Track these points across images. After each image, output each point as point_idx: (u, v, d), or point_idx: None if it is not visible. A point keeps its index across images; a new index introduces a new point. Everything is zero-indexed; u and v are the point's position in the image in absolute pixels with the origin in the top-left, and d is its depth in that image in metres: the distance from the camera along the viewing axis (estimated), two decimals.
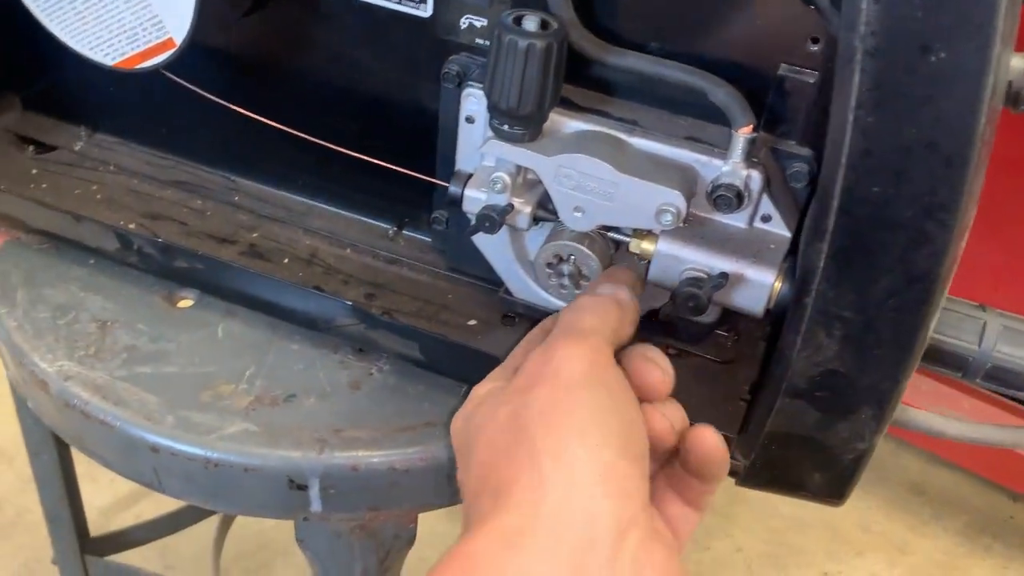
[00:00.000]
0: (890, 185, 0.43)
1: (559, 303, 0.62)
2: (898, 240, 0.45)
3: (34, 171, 0.76)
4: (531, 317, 0.63)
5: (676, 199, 0.53)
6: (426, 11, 0.59)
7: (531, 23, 0.52)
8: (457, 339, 0.64)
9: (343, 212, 0.73)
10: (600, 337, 0.49)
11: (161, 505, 1.27)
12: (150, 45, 0.60)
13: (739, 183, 0.54)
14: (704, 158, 0.54)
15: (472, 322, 0.65)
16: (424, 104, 0.63)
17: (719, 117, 0.53)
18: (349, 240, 0.71)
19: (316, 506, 0.63)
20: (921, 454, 1.73)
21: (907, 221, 0.44)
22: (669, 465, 0.52)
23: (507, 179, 0.57)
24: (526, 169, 0.57)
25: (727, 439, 0.52)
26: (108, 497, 1.54)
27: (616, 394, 0.47)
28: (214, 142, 0.74)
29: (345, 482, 0.62)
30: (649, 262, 0.56)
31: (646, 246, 0.56)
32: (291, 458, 0.62)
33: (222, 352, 0.68)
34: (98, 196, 0.73)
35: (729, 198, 0.54)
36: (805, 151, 0.54)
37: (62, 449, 0.91)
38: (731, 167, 0.54)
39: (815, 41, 0.52)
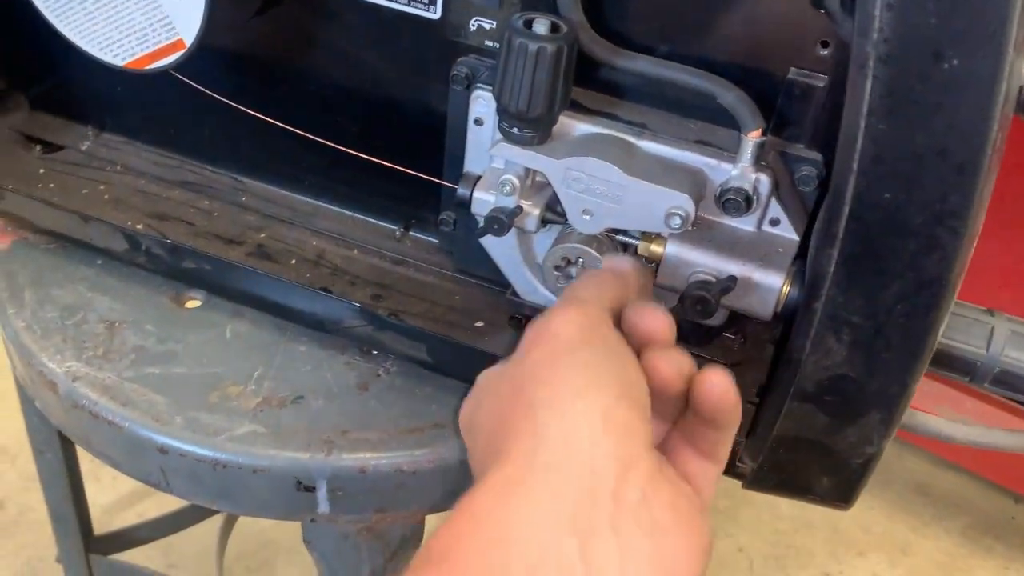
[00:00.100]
0: (901, 191, 0.44)
1: None
2: (908, 246, 0.45)
3: (41, 171, 0.76)
4: None
5: (685, 202, 0.53)
6: (435, 13, 0.59)
7: (541, 26, 0.52)
8: (464, 341, 0.64)
9: (350, 213, 0.73)
10: (597, 304, 0.48)
11: (164, 504, 1.27)
12: (160, 46, 0.60)
13: (748, 187, 0.54)
14: (713, 161, 0.54)
15: (479, 324, 0.65)
16: (432, 106, 0.63)
17: (728, 120, 0.54)
18: (356, 241, 0.71)
19: (324, 508, 0.64)
20: (926, 456, 1.73)
21: (918, 228, 0.44)
22: (683, 419, 0.50)
23: (516, 181, 0.57)
24: (535, 172, 0.57)
25: (734, 443, 0.52)
26: (111, 496, 1.54)
27: (613, 348, 0.46)
28: (222, 143, 0.74)
29: (353, 484, 0.63)
30: (657, 265, 0.56)
31: (655, 249, 0.56)
32: (299, 460, 0.62)
33: (230, 353, 0.68)
34: (105, 196, 0.73)
35: (738, 202, 0.54)
36: (814, 155, 0.54)
37: (67, 447, 0.91)
38: (740, 171, 0.54)
39: (825, 45, 0.52)
